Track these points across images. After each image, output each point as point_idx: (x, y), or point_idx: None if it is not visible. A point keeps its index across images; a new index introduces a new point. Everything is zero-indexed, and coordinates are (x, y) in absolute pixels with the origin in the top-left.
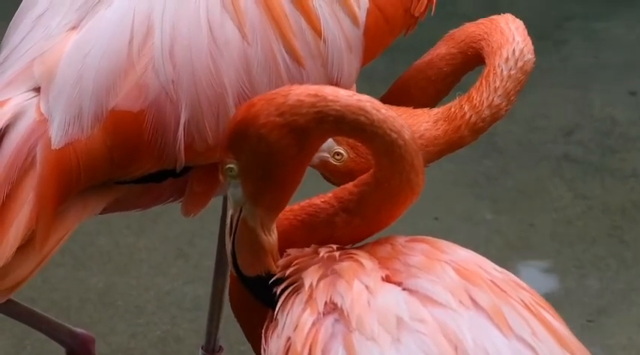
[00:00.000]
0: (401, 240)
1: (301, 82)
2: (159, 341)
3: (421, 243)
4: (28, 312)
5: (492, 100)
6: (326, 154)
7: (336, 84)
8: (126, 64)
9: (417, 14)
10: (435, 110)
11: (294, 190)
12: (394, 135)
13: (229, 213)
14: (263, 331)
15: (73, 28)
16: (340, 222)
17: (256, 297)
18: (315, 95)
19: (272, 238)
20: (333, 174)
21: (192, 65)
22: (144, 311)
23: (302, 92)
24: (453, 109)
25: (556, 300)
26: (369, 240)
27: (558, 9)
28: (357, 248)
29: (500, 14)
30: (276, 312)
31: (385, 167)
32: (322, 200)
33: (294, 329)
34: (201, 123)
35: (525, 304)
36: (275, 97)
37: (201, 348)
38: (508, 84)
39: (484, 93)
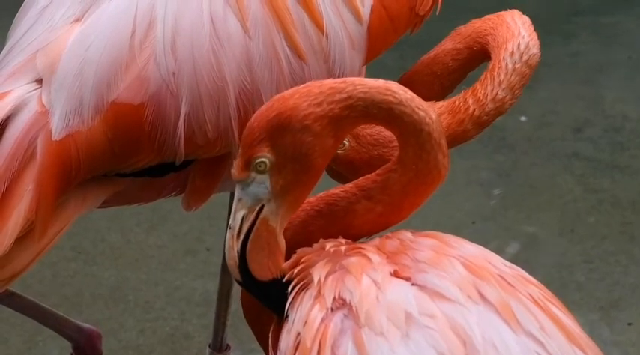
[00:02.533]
0: (409, 235)
1: (303, 78)
2: (168, 338)
3: (430, 238)
4: (35, 306)
5: (496, 94)
6: None
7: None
8: (127, 57)
9: (421, 13)
10: (440, 103)
11: (314, 186)
12: (422, 113)
13: (237, 215)
14: (270, 335)
15: (77, 20)
16: (361, 210)
17: (266, 303)
18: (344, 81)
19: (283, 239)
20: (335, 162)
21: (193, 58)
22: (154, 307)
23: (332, 81)
24: (457, 103)
25: (565, 295)
26: (377, 235)
27: (567, 3)
28: (365, 243)
29: (510, 9)
30: (286, 309)
31: (412, 148)
32: (342, 189)
33: (304, 325)
34: (202, 116)
35: (534, 299)
36: (310, 88)
37: (209, 346)
38: (512, 78)
39: (488, 87)
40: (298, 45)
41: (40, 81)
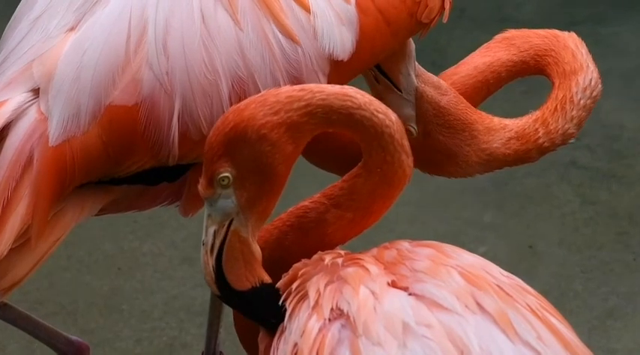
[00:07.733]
0: (407, 244)
1: (297, 59)
2: (165, 347)
3: (427, 247)
4: (25, 318)
5: (567, 129)
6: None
7: (331, 55)
8: (123, 62)
9: (425, 20)
10: (510, 125)
11: (281, 193)
12: (381, 116)
13: (209, 230)
14: (260, 347)
15: (71, 29)
16: (332, 219)
17: (249, 316)
18: (302, 89)
19: (258, 247)
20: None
21: (184, 55)
22: (150, 316)
23: (289, 89)
24: (527, 130)
25: (562, 305)
26: (374, 245)
27: (565, 13)
28: (363, 253)
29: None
30: (285, 320)
31: (375, 151)
32: (310, 201)
33: (301, 335)
34: (195, 111)
35: (531, 308)
36: (266, 98)
37: (202, 354)
38: (583, 113)
39: (560, 121)
40: (289, 28)
41: (36, 90)
